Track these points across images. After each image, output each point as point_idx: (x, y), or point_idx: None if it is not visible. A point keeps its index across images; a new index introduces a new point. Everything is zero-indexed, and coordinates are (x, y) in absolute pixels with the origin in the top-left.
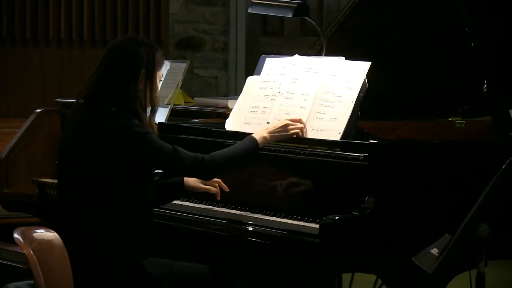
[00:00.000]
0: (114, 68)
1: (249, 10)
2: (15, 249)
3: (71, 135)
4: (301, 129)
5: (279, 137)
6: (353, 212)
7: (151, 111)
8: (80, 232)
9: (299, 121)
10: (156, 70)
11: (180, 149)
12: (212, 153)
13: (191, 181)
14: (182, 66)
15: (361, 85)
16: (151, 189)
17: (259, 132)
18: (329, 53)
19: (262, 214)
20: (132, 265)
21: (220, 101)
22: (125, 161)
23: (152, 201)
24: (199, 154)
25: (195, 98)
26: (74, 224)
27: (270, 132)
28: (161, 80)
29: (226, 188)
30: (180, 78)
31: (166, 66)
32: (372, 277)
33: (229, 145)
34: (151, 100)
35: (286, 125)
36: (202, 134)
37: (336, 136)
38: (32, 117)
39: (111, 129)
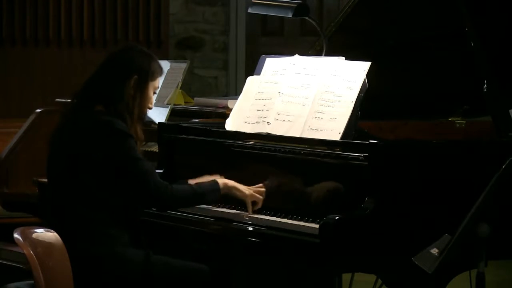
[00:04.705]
0: (105, 70)
1: (249, 10)
2: (15, 249)
3: (57, 135)
4: (258, 200)
5: (239, 193)
6: (353, 212)
7: (138, 119)
8: (75, 230)
9: (261, 192)
10: (149, 79)
11: (153, 171)
12: (176, 186)
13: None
14: (182, 66)
15: (361, 85)
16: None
17: (226, 180)
18: (329, 53)
19: (262, 214)
20: (129, 262)
21: (220, 101)
22: (106, 158)
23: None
24: (168, 183)
25: (195, 98)
26: (70, 224)
27: (234, 185)
28: (155, 93)
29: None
30: (180, 78)
31: (166, 66)
32: (372, 277)
33: (229, 145)
34: (140, 108)
35: (249, 189)
36: (202, 134)
37: (336, 136)
38: (32, 117)
39: (94, 124)
